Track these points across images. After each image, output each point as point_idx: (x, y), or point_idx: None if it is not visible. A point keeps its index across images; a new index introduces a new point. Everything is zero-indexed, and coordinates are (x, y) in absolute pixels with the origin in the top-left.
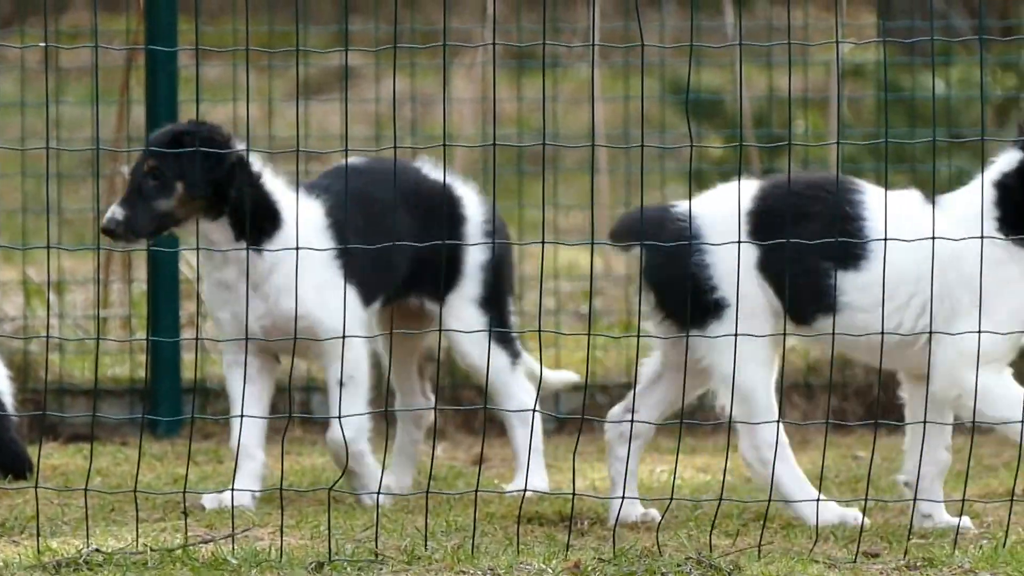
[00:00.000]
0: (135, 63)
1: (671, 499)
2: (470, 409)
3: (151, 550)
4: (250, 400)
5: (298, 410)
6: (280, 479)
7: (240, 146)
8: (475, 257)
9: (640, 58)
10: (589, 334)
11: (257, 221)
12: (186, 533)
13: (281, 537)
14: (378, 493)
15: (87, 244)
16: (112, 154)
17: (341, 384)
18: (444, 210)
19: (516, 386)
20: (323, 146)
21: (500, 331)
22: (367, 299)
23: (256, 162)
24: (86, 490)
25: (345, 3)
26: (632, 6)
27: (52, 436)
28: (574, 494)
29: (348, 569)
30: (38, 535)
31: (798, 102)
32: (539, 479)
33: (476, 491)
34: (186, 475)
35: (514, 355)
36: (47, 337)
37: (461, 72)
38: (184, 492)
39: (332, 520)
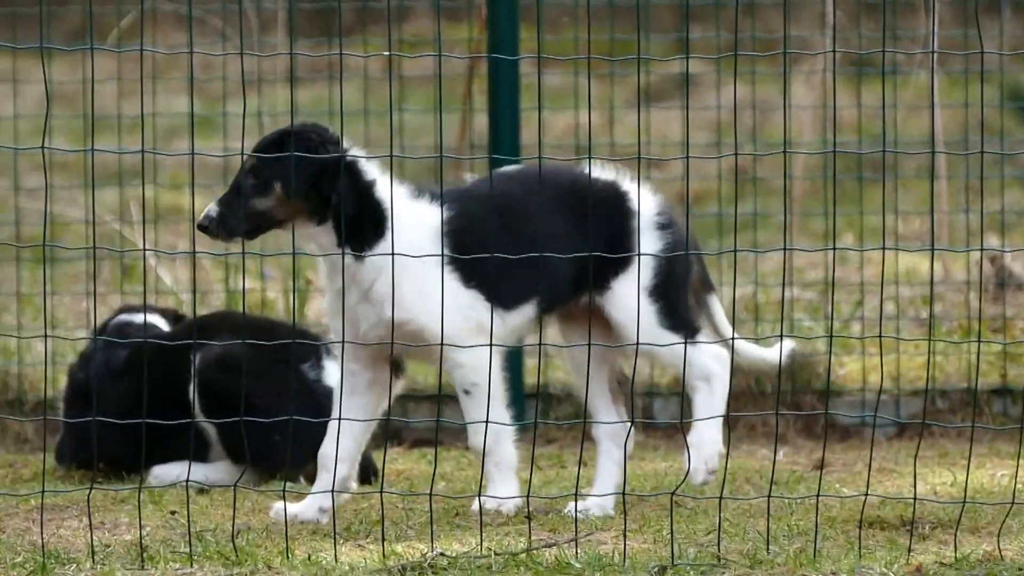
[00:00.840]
0: (477, 71)
1: (1012, 503)
2: (811, 414)
3: (495, 554)
4: (352, 411)
5: (640, 415)
6: (623, 483)
7: (356, 151)
8: (645, 247)
9: (979, 65)
10: (931, 339)
11: (361, 227)
12: (530, 537)
13: (624, 541)
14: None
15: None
16: (455, 162)
17: (466, 392)
18: (613, 207)
19: (698, 353)
20: (663, 153)
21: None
22: (506, 304)
23: (370, 168)
24: (431, 495)
25: (686, 11)
26: (971, 13)
27: (396, 441)
28: (915, 498)
29: (691, 573)
30: (383, 539)
31: None
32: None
33: (817, 495)
34: (530, 479)
35: (692, 332)
36: (391, 344)
37: (800, 79)
38: (528, 496)
39: (675, 524)
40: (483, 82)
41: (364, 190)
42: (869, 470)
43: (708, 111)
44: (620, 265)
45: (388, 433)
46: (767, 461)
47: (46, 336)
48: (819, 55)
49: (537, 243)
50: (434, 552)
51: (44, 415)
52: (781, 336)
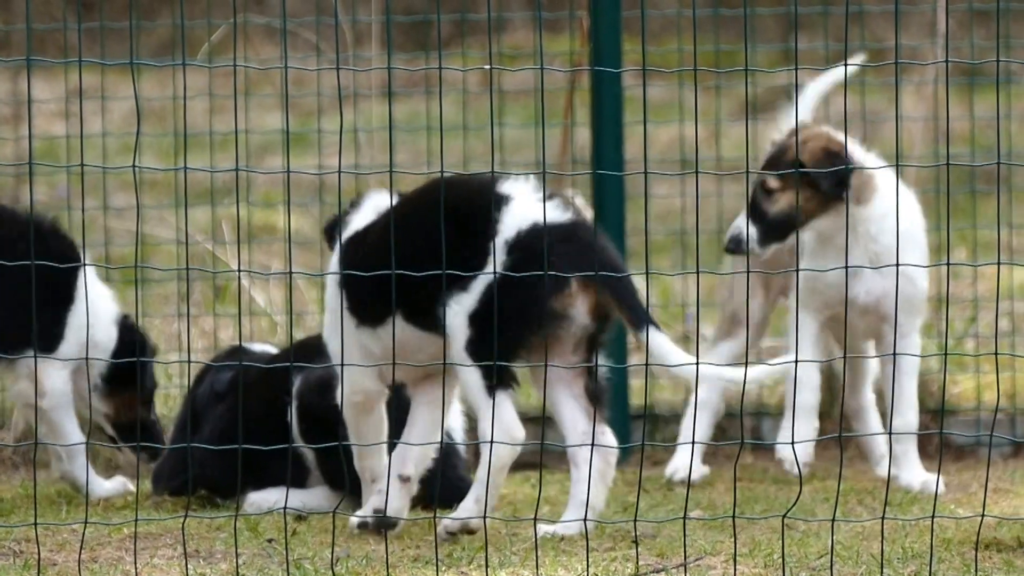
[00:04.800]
0: (578, 84)
1: None
2: (926, 433)
3: None
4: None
5: (749, 436)
6: (733, 506)
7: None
8: (491, 268)
9: None
10: None
11: None
12: (637, 562)
13: (735, 565)
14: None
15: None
16: (557, 178)
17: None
18: None
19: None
20: None
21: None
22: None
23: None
24: (535, 520)
25: (795, 21)
26: None
27: None
28: None
29: None
30: (487, 565)
31: None
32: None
33: (932, 517)
34: (636, 503)
35: (489, 373)
36: (446, 364)
37: (910, 89)
38: (635, 520)
39: (786, 548)
40: (585, 95)
41: None
42: (985, 490)
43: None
44: (461, 284)
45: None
46: (879, 482)
47: (138, 360)
48: (930, 65)
49: (406, 260)
50: None
51: (138, 440)
52: (894, 354)
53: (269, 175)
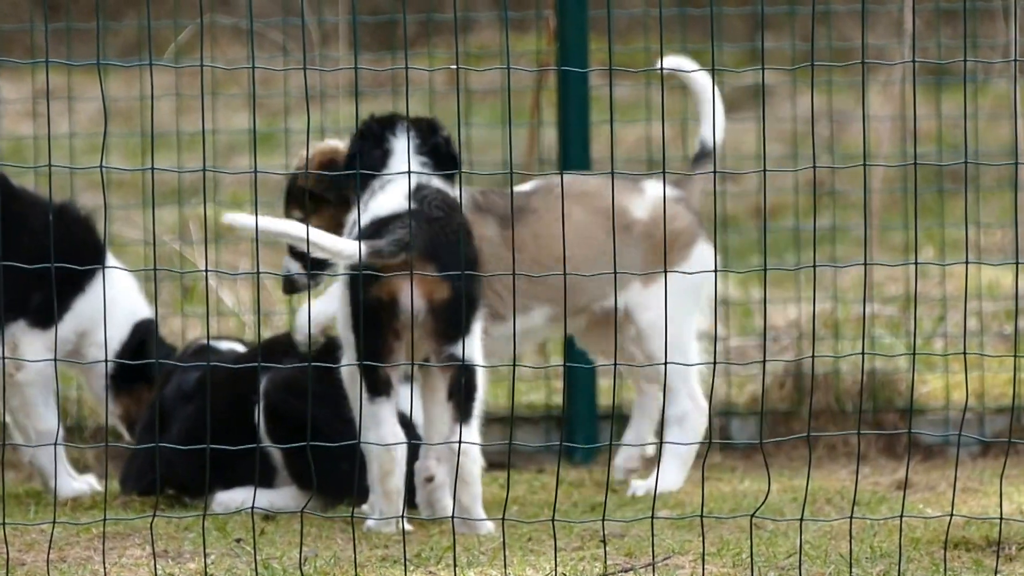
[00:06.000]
0: (545, 84)
1: None
2: (894, 433)
3: None
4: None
5: (717, 436)
6: (701, 506)
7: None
8: None
9: None
10: (1015, 355)
11: None
12: (605, 562)
13: (703, 565)
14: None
15: None
16: (525, 177)
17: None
18: None
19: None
20: (737, 166)
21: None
22: None
23: None
24: (503, 519)
25: (762, 20)
26: None
27: None
28: (1001, 518)
29: None
30: (455, 565)
31: None
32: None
33: (901, 516)
34: (604, 503)
35: None
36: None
37: (877, 89)
38: (603, 520)
39: (754, 547)
40: (552, 95)
41: None
42: (954, 490)
43: (783, 123)
44: None
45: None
46: (848, 482)
47: (106, 360)
48: (897, 65)
49: None
50: None
51: (106, 441)
52: (863, 353)
53: (236, 175)
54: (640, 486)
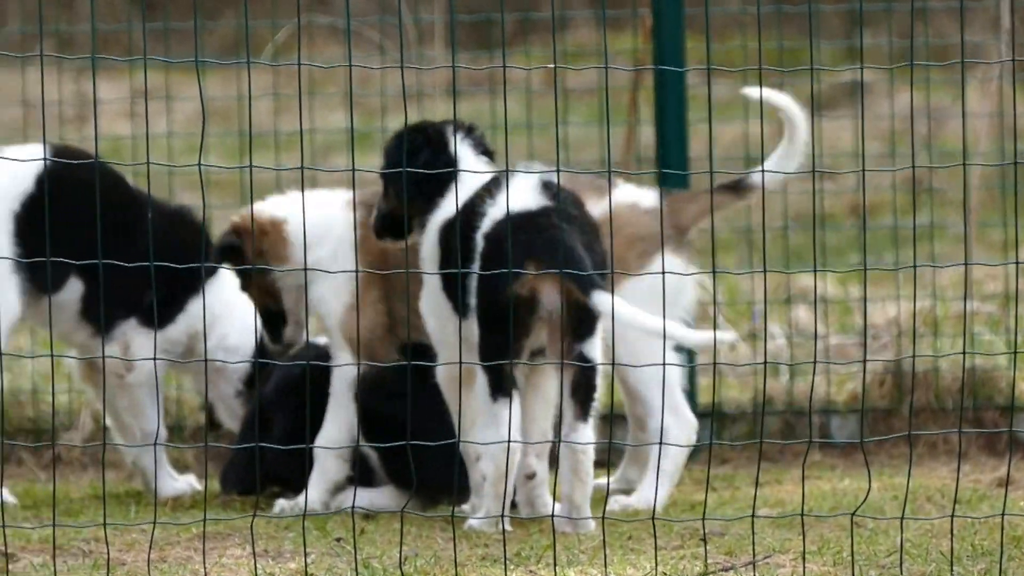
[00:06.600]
0: (642, 83)
1: None
2: (994, 432)
3: None
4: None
5: (817, 434)
6: (801, 504)
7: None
8: None
9: None
10: None
11: None
12: (706, 560)
13: (804, 563)
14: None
15: None
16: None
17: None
18: None
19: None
20: (834, 164)
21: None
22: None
23: None
24: (603, 518)
25: (860, 17)
26: None
27: None
28: None
29: None
30: (555, 563)
31: None
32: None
33: (1003, 514)
34: (704, 501)
35: None
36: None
37: (975, 86)
38: (703, 519)
39: (855, 546)
40: (649, 93)
41: None
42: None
43: (881, 120)
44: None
45: (553, 456)
46: (948, 480)
47: (206, 360)
48: (994, 63)
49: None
50: None
51: (205, 441)
52: (964, 353)
53: (333, 173)
54: (619, 500)
